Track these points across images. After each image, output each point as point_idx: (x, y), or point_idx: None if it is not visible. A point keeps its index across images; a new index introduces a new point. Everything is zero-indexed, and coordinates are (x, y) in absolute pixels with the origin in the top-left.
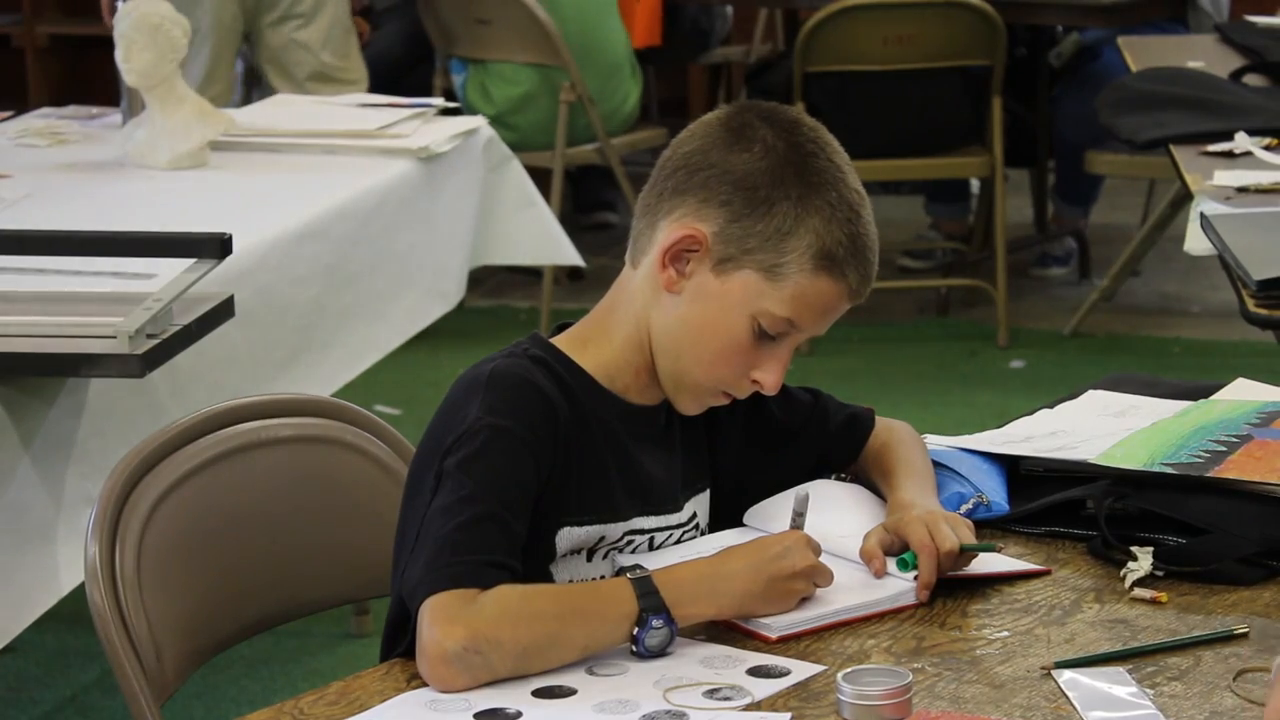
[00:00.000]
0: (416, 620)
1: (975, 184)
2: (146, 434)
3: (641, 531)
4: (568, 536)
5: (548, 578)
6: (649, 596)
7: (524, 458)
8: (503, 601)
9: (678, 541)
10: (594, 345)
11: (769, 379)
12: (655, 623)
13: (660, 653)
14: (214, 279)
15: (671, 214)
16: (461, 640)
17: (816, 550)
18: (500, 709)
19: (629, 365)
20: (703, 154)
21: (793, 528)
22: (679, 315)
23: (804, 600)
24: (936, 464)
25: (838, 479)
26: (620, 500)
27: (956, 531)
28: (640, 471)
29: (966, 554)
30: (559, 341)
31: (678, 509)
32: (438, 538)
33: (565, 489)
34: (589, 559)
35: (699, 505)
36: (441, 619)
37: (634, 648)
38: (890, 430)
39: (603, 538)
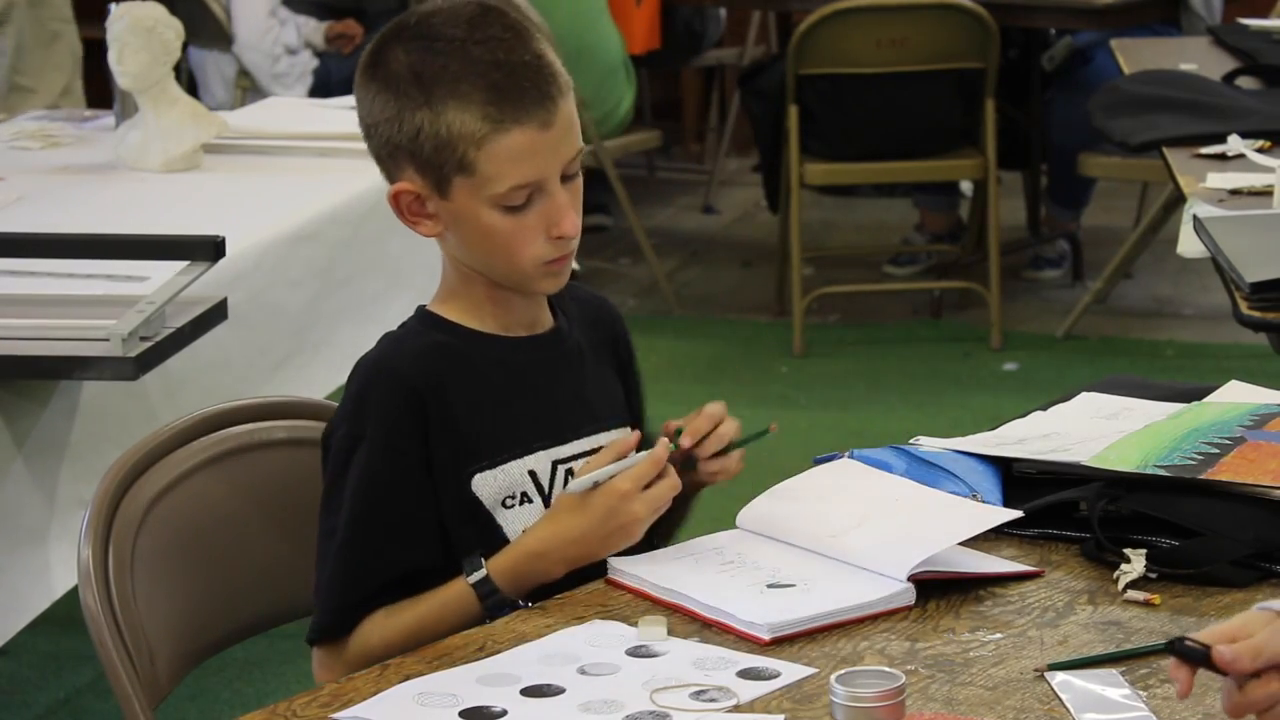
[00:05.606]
0: None
1: (967, 184)
2: (139, 437)
3: (563, 460)
4: (485, 483)
5: (487, 530)
6: (491, 597)
7: (391, 456)
8: (364, 644)
9: None
10: (453, 298)
11: (565, 226)
12: (505, 615)
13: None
14: (207, 282)
15: (386, 177)
16: (340, 676)
17: (651, 473)
18: (486, 707)
19: (484, 301)
20: (361, 116)
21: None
22: (459, 244)
23: (794, 599)
24: (932, 464)
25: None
26: (527, 433)
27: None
28: (546, 400)
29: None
30: (433, 305)
31: (599, 432)
32: (321, 572)
33: (464, 444)
34: (528, 502)
35: (624, 433)
36: (321, 670)
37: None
38: None
39: (532, 472)
